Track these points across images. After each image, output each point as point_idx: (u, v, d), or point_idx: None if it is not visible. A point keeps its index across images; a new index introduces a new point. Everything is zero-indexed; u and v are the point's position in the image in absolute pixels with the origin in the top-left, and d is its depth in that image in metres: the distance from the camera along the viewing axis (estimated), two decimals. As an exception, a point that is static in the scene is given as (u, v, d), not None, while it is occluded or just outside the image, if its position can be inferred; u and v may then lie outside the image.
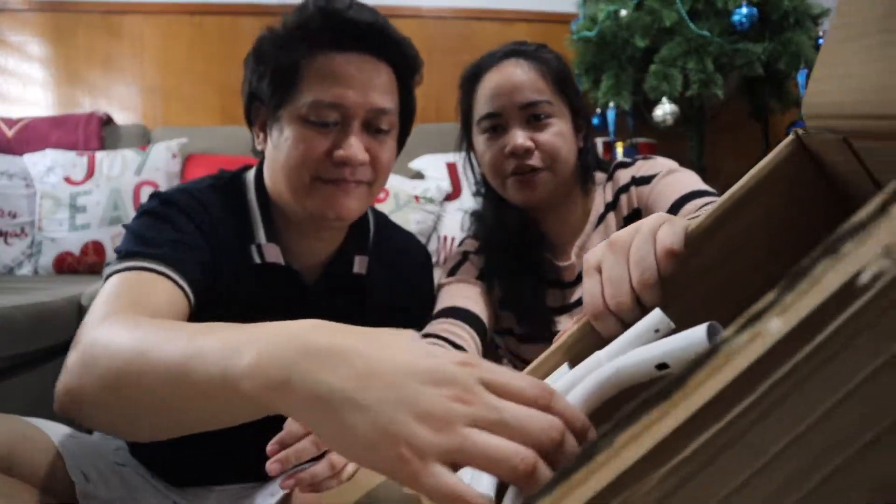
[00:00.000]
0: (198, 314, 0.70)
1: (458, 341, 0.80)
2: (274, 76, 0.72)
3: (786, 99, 2.13)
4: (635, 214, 0.85)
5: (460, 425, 0.30)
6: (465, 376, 0.32)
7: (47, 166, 1.85)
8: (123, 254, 0.66)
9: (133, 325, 0.50)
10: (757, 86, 2.15)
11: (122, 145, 2.05)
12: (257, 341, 0.36)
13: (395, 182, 1.92)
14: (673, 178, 0.83)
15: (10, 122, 2.02)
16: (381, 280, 0.84)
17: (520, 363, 0.95)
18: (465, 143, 0.92)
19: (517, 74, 0.83)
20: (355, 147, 0.70)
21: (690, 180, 0.81)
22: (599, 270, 0.47)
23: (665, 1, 1.96)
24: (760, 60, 1.98)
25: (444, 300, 0.88)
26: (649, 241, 0.44)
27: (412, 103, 0.81)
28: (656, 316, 0.40)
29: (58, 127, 2.04)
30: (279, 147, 0.73)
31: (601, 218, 0.89)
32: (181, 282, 0.65)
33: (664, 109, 1.95)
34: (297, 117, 0.71)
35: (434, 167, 2.00)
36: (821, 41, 2.08)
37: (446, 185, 1.93)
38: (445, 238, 1.88)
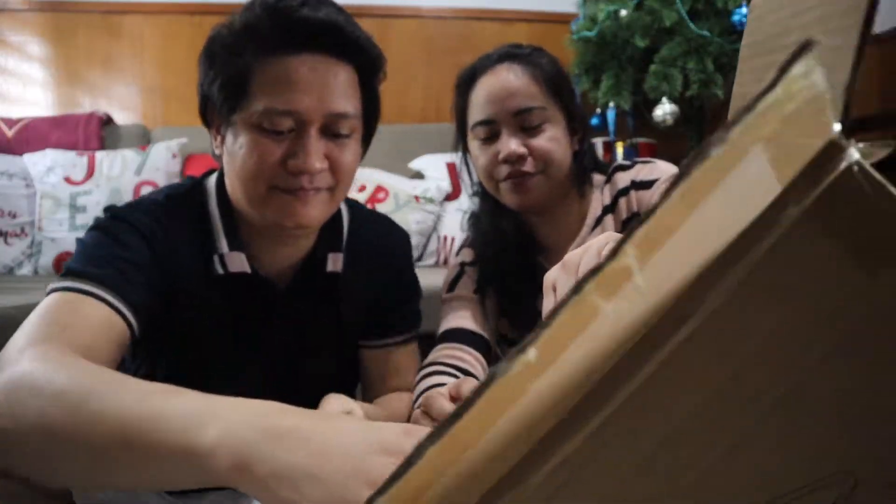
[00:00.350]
0: (159, 336, 0.69)
1: (465, 366, 0.83)
2: (224, 82, 0.67)
3: (786, 99, 2.13)
4: (635, 218, 0.85)
5: None
6: (412, 444, 0.33)
7: (47, 166, 1.85)
8: (66, 271, 0.62)
9: (70, 365, 0.47)
10: (757, 86, 2.15)
11: (122, 145, 2.05)
12: (220, 418, 0.38)
13: (395, 182, 1.92)
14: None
15: (10, 122, 2.02)
16: (359, 274, 0.82)
17: None
18: (461, 144, 0.93)
19: (510, 81, 0.83)
20: (312, 156, 0.65)
21: None
22: (555, 290, 0.48)
23: (665, 1, 1.96)
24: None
25: (447, 321, 0.90)
26: (595, 260, 0.46)
27: (376, 103, 0.76)
28: None
29: (58, 127, 2.04)
30: (234, 154, 0.68)
31: (598, 220, 0.89)
32: (121, 307, 0.61)
33: (664, 109, 1.95)
34: (250, 125, 0.66)
35: (434, 167, 2.00)
36: (821, 41, 2.09)
37: (446, 185, 1.93)
38: (445, 238, 1.88)
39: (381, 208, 1.82)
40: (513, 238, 0.90)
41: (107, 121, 2.14)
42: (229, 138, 0.69)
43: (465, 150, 0.92)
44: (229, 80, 0.66)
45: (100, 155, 1.90)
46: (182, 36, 2.34)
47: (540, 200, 0.86)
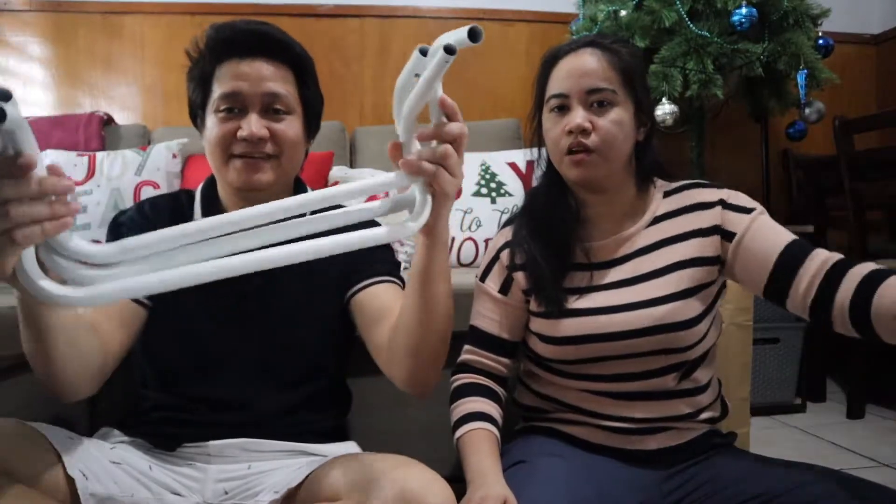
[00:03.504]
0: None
1: (493, 371, 0.98)
2: (196, 85, 0.92)
3: (785, 99, 2.13)
4: (726, 235, 0.91)
5: None
6: None
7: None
8: None
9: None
10: (756, 86, 2.15)
11: (122, 145, 2.05)
12: None
13: (395, 182, 1.92)
14: (768, 219, 0.90)
15: (10, 123, 2.02)
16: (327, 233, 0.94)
17: (531, 354, 0.99)
18: (536, 121, 0.99)
19: (588, 62, 0.90)
20: (254, 126, 0.86)
21: (779, 226, 0.90)
22: None
23: (665, 1, 1.96)
24: (760, 60, 1.98)
25: (478, 314, 1.00)
26: None
27: (314, 98, 0.95)
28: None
29: (58, 127, 2.04)
30: (205, 137, 0.91)
31: (655, 221, 0.95)
32: None
33: (664, 109, 1.96)
34: (212, 111, 0.89)
35: (434, 167, 2.00)
36: (820, 41, 2.09)
37: (446, 186, 1.94)
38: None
39: (381, 208, 1.83)
40: (561, 210, 0.96)
41: (107, 121, 2.14)
42: (204, 127, 0.92)
43: (539, 125, 0.98)
44: (199, 83, 0.91)
45: (100, 155, 1.90)
46: (182, 36, 2.33)
47: (595, 178, 0.91)
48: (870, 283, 0.76)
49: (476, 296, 1.02)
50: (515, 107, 2.53)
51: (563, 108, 0.91)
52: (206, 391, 0.90)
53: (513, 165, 1.98)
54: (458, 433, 0.91)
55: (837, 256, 0.82)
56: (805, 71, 1.98)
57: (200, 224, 0.61)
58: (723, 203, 0.92)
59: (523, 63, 2.56)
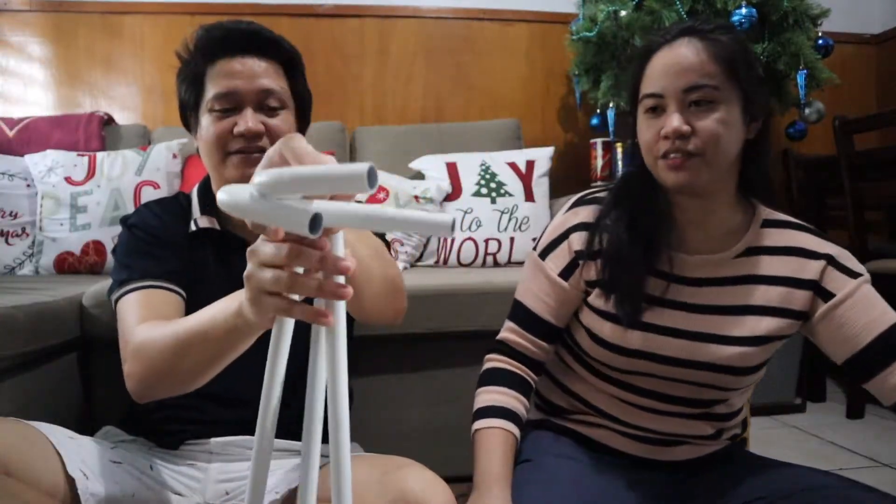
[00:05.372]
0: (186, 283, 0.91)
1: (531, 355, 0.93)
2: (188, 85, 0.92)
3: (785, 99, 2.13)
4: (824, 294, 0.83)
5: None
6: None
7: (48, 166, 1.85)
8: (120, 282, 0.88)
9: (160, 327, 0.77)
10: (756, 86, 2.15)
11: (122, 145, 2.05)
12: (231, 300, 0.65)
13: (395, 182, 1.92)
14: (872, 290, 0.83)
15: (11, 123, 2.02)
16: None
17: (573, 347, 0.94)
18: (632, 118, 0.89)
19: (686, 56, 0.80)
20: (250, 121, 0.87)
21: (883, 301, 0.83)
22: None
23: (665, 1, 1.96)
24: (760, 61, 1.98)
25: (524, 293, 0.93)
26: None
27: (304, 92, 0.97)
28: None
29: (59, 127, 2.04)
30: (200, 136, 0.92)
31: (750, 251, 0.86)
32: (166, 284, 0.88)
33: (664, 109, 1.95)
34: (207, 110, 0.90)
35: (434, 167, 2.00)
36: (820, 41, 2.09)
37: (446, 185, 1.94)
38: (445, 238, 1.88)
39: (381, 208, 1.83)
40: (651, 217, 0.86)
41: (107, 121, 2.14)
42: (197, 126, 0.93)
43: (635, 121, 0.88)
44: (191, 84, 0.92)
45: (100, 155, 1.90)
46: (182, 36, 2.32)
47: (695, 183, 0.80)
48: None
49: (530, 270, 0.94)
50: (515, 107, 2.53)
51: (658, 109, 0.82)
52: (212, 387, 0.90)
53: (513, 165, 1.98)
54: (476, 426, 0.87)
55: None
56: (805, 71, 1.98)
57: None
58: (830, 259, 0.84)
59: (523, 63, 2.56)
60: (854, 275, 0.83)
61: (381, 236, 0.99)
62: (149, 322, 0.80)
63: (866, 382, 0.82)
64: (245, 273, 0.53)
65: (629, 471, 0.89)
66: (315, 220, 0.43)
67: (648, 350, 0.85)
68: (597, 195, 0.93)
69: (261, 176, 0.47)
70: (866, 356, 0.81)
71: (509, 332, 0.94)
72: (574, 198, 0.94)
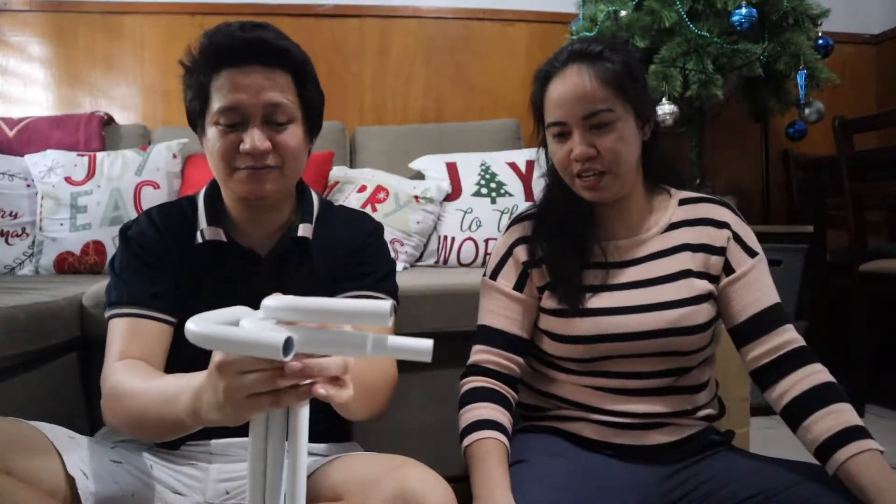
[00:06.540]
0: (181, 297, 0.91)
1: (505, 371, 0.96)
2: (193, 95, 0.89)
3: (785, 99, 2.13)
4: (728, 268, 0.94)
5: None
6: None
7: (48, 166, 1.85)
8: (111, 303, 0.90)
9: (133, 374, 0.81)
10: (756, 86, 2.15)
11: (122, 145, 2.05)
12: (185, 394, 0.67)
13: (394, 182, 1.92)
14: (765, 268, 0.95)
15: (11, 123, 2.02)
16: (328, 239, 0.97)
17: (539, 353, 0.99)
18: (539, 134, 0.99)
19: (579, 84, 0.89)
20: (256, 139, 0.84)
21: (771, 280, 0.94)
22: None
23: (664, 1, 1.96)
24: (760, 61, 1.98)
25: (487, 313, 0.99)
26: None
27: (315, 98, 0.93)
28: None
29: (59, 127, 2.04)
30: (207, 148, 0.90)
31: (672, 226, 0.97)
32: (155, 314, 0.89)
33: (664, 109, 1.95)
34: (212, 123, 0.87)
35: (434, 167, 2.00)
36: (820, 41, 2.09)
37: (446, 185, 1.94)
38: (445, 238, 1.88)
39: (382, 208, 1.83)
40: (577, 220, 0.97)
41: (107, 121, 2.14)
42: (204, 137, 0.91)
43: (544, 139, 0.98)
44: (196, 93, 0.88)
45: (100, 155, 1.90)
46: (182, 36, 2.34)
47: (611, 197, 0.93)
48: (807, 405, 0.85)
49: (486, 294, 1.01)
50: (515, 107, 2.53)
51: (564, 135, 0.91)
52: None
53: (513, 165, 1.98)
54: (466, 441, 0.89)
55: (799, 343, 0.90)
56: (805, 71, 1.98)
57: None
58: (732, 232, 0.95)
59: (523, 63, 2.56)
60: (752, 253, 0.94)
61: (393, 293, 0.98)
62: (127, 362, 0.84)
63: (739, 351, 0.93)
64: (222, 387, 0.59)
65: (622, 467, 0.91)
66: (287, 344, 0.51)
67: (604, 332, 0.91)
68: (527, 213, 1.03)
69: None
70: (741, 330, 0.92)
71: (479, 353, 0.98)
72: (509, 222, 1.05)
